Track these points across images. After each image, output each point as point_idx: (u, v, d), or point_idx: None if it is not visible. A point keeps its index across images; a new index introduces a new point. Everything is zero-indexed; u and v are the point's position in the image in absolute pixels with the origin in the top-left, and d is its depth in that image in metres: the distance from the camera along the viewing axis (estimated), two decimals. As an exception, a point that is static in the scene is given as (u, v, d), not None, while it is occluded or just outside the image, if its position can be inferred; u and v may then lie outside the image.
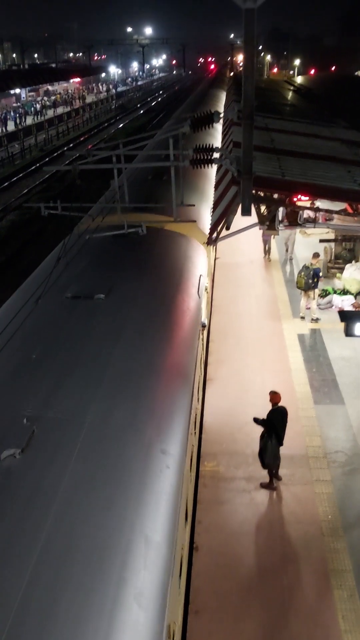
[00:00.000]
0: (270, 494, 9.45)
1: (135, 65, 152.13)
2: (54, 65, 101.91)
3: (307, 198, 10.83)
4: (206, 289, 10.57)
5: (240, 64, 77.98)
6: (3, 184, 35.65)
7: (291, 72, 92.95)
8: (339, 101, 28.63)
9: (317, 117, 20.41)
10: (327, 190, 9.96)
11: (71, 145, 49.98)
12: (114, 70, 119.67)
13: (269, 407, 9.63)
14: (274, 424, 9.35)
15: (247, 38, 7.60)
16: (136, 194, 11.84)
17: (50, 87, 78.55)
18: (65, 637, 3.63)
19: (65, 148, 46.80)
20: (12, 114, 56.59)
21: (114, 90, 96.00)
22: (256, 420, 9.48)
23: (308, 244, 18.48)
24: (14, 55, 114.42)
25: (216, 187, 13.39)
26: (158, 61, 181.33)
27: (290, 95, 33.37)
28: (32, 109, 61.66)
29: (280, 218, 12.07)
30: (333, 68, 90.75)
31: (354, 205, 12.53)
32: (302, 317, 15.31)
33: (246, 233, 11.40)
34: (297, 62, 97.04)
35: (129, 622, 3.86)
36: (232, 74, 70.20)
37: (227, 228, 11.67)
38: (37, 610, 3.73)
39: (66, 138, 54.20)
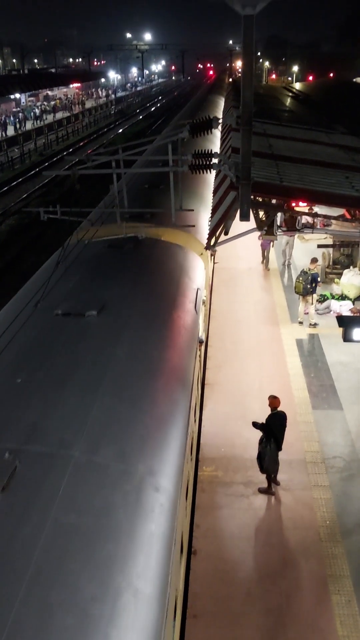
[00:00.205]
0: (269, 499, 9.45)
1: (134, 71, 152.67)
2: (53, 70, 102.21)
3: (305, 204, 10.87)
4: (204, 302, 10.23)
5: (239, 70, 78.32)
6: (2, 188, 35.70)
7: (289, 79, 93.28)
8: (337, 107, 28.74)
9: (315, 123, 20.49)
10: (325, 196, 10.00)
11: (71, 150, 50.11)
12: (113, 75, 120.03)
13: (268, 411, 9.64)
14: (273, 428, 9.35)
15: (246, 44, 7.65)
16: (135, 198, 11.87)
17: (49, 92, 78.75)
18: None
19: (65, 153, 46.91)
20: (11, 118, 56.72)
21: (113, 96, 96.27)
22: (255, 424, 9.49)
23: (306, 250, 18.53)
24: (14, 60, 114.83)
25: (215, 192, 13.43)
26: (157, 67, 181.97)
27: (288, 101, 33.50)
28: (32, 113, 61.81)
29: (278, 223, 12.11)
30: (331, 74, 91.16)
31: (352, 211, 12.58)
32: (301, 322, 15.34)
33: (244, 238, 11.44)
34: (295, 68, 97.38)
35: None
36: (230, 79, 70.49)
37: (226, 233, 11.70)
38: None
39: (66, 143, 54.35)
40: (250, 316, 15.90)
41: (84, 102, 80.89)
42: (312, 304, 15.27)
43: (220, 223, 10.64)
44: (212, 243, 11.04)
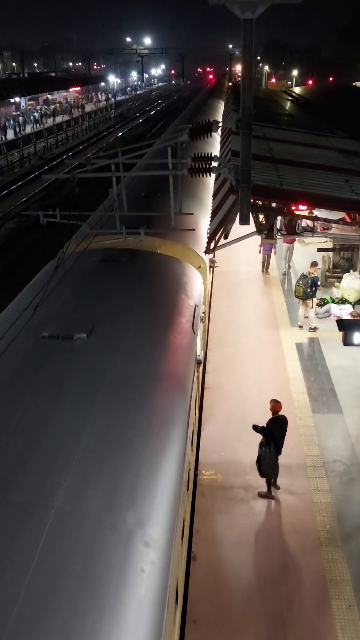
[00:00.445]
0: (269, 503, 9.41)
1: (134, 75, 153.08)
2: (53, 74, 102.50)
3: (305, 207, 10.87)
4: (201, 319, 9.73)
5: (239, 74, 78.52)
6: (2, 192, 35.73)
7: (289, 83, 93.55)
8: (336, 111, 28.80)
9: (315, 127, 20.52)
10: (325, 199, 10.00)
11: (70, 153, 50.18)
12: (113, 79, 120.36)
13: (267, 416, 9.61)
14: (274, 432, 9.32)
15: (245, 48, 7.66)
16: (135, 202, 11.86)
17: (49, 96, 78.94)
18: None
19: (65, 156, 46.98)
20: (11, 122, 56.82)
21: (113, 100, 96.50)
22: (255, 427, 9.46)
23: (306, 253, 18.51)
24: (14, 64, 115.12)
25: (214, 195, 13.43)
26: (157, 71, 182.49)
27: (288, 105, 33.57)
28: (32, 117, 61.94)
29: (278, 227, 12.12)
30: (331, 78, 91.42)
31: (352, 215, 12.59)
32: (300, 326, 15.31)
33: (244, 242, 11.46)
34: (295, 72, 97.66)
35: None
36: (230, 83, 70.68)
37: (226, 237, 11.70)
38: None
39: (65, 146, 54.42)
40: (250, 320, 15.88)
41: (83, 105, 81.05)
42: (312, 307, 15.25)
43: (220, 227, 10.64)
44: (211, 247, 11.03)
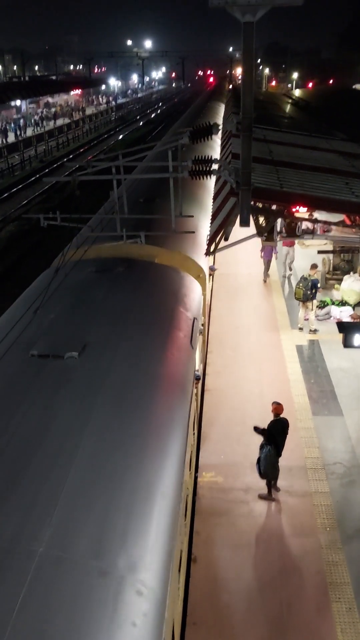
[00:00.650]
0: (269, 505, 9.41)
1: (135, 78, 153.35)
2: (54, 77, 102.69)
3: (305, 209, 10.88)
4: (200, 332, 9.31)
5: (239, 77, 78.67)
6: (3, 195, 35.78)
7: (289, 85, 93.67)
8: (336, 114, 28.86)
9: (315, 130, 20.57)
10: (326, 201, 10.03)
11: (71, 156, 50.24)
12: (113, 82, 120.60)
13: (268, 417, 9.61)
14: (274, 434, 9.32)
15: (246, 51, 7.69)
16: (135, 205, 11.88)
17: (50, 99, 79.08)
18: None
19: (65, 159, 47.05)
20: (12, 125, 56.91)
21: (113, 103, 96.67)
22: (256, 429, 9.46)
23: (306, 255, 18.53)
24: (15, 67, 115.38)
25: (215, 198, 13.46)
26: (157, 74, 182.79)
27: (288, 107, 33.64)
28: (32, 120, 62.04)
29: (278, 229, 12.13)
30: (331, 81, 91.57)
31: (352, 217, 12.60)
32: (301, 328, 15.32)
33: (245, 244, 11.46)
34: (295, 75, 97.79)
35: None
36: (231, 86, 70.81)
37: (226, 239, 11.72)
38: None
39: (66, 149, 54.50)
40: (250, 322, 15.89)
41: (84, 108, 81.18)
42: (312, 310, 15.26)
43: (220, 229, 10.66)
44: (212, 249, 11.05)
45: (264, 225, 11.52)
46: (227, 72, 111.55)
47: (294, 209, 10.69)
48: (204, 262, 10.95)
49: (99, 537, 4.21)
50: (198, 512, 9.21)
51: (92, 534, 4.22)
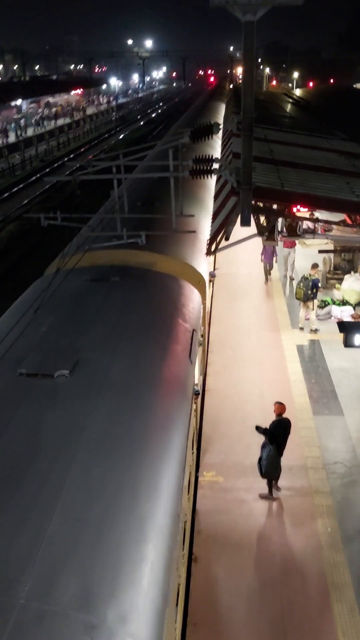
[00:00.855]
0: (270, 505, 9.40)
1: (135, 78, 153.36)
2: (55, 77, 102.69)
3: (306, 209, 10.88)
4: (200, 344, 8.90)
5: (240, 77, 78.64)
6: (3, 194, 35.78)
7: (290, 85, 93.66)
8: (337, 113, 28.85)
9: (315, 129, 20.56)
10: (326, 201, 10.02)
11: (72, 156, 50.25)
12: (114, 82, 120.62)
13: (268, 417, 9.60)
14: (276, 434, 9.31)
15: (246, 50, 7.68)
16: (136, 204, 11.87)
17: (51, 99, 79.08)
18: None
19: (66, 159, 47.05)
20: (12, 125, 56.91)
21: (114, 102, 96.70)
22: (258, 428, 9.44)
23: (307, 255, 18.51)
24: (16, 67, 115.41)
25: (216, 197, 13.45)
26: (158, 73, 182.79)
27: (289, 107, 33.62)
28: (33, 120, 62.05)
29: (279, 228, 12.12)
30: (331, 81, 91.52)
31: (353, 217, 12.60)
32: (301, 328, 15.31)
33: (245, 244, 11.45)
34: (295, 74, 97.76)
35: None
36: (231, 86, 70.80)
37: (227, 239, 11.71)
38: None
39: (67, 149, 54.50)
40: (250, 322, 15.88)
41: (85, 108, 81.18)
42: (312, 309, 15.24)
43: (221, 228, 10.65)
44: (212, 249, 11.04)
45: (265, 224, 11.51)
46: (228, 71, 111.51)
47: (294, 209, 10.68)
48: (204, 268, 10.70)
49: (87, 586, 3.76)
50: (199, 511, 9.19)
51: (79, 582, 3.76)
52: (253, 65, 8.10)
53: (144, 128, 69.03)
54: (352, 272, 16.89)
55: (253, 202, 9.22)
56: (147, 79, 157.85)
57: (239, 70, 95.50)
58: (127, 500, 4.53)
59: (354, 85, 69.05)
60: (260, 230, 11.41)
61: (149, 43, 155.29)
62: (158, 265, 9.46)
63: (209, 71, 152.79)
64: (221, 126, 9.95)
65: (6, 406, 5.55)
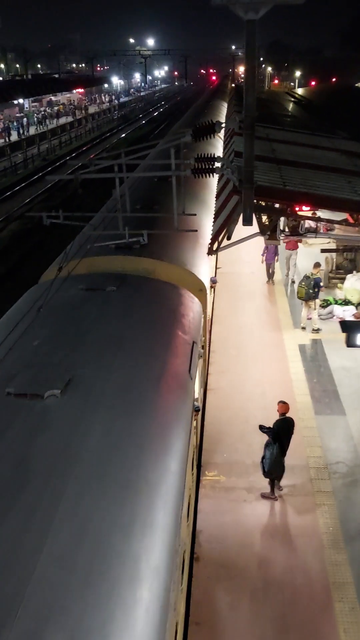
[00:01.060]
0: (272, 504, 9.39)
1: (137, 76, 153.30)
2: (57, 75, 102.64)
3: (308, 208, 10.85)
4: (200, 356, 8.50)
5: (242, 75, 78.55)
6: (5, 193, 35.80)
7: (292, 84, 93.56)
8: (339, 112, 28.81)
9: (317, 128, 20.53)
10: (328, 200, 9.99)
11: (74, 154, 50.27)
12: (116, 81, 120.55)
13: (271, 417, 9.60)
14: (280, 433, 9.31)
15: (248, 49, 7.65)
16: (138, 203, 11.86)
17: (53, 98, 79.07)
18: None
19: (68, 157, 47.05)
20: (15, 124, 56.92)
21: (116, 101, 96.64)
22: (262, 428, 9.44)
23: (309, 254, 18.48)
24: (17, 65, 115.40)
25: (217, 196, 13.44)
26: (160, 72, 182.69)
27: (291, 106, 33.56)
28: (35, 118, 62.06)
29: (281, 228, 12.10)
30: (333, 80, 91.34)
31: (355, 216, 12.57)
32: (303, 328, 15.29)
33: (247, 243, 11.42)
34: (297, 73, 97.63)
35: None
36: (233, 85, 70.74)
37: (229, 238, 11.69)
38: None
39: (69, 148, 54.52)
40: (252, 321, 15.87)
41: (87, 107, 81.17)
42: (315, 309, 15.22)
43: (223, 227, 10.63)
44: (214, 248, 11.02)
45: (267, 223, 11.49)
46: (230, 70, 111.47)
47: (296, 208, 10.66)
48: (205, 274, 10.39)
49: (75, 637, 3.46)
50: (200, 510, 9.20)
51: (67, 633, 3.44)
52: (255, 64, 8.08)
53: (145, 127, 69.01)
54: (354, 272, 16.87)
55: (255, 201, 9.20)
56: (149, 77, 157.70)
57: (241, 69, 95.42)
58: (120, 538, 4.18)
59: (356, 84, 68.89)
60: (262, 229, 11.39)
61: (150, 42, 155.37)
62: (157, 272, 9.16)
63: (211, 70, 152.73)
64: (223, 125, 9.91)
65: None
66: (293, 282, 18.40)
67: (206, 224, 12.39)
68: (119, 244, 9.30)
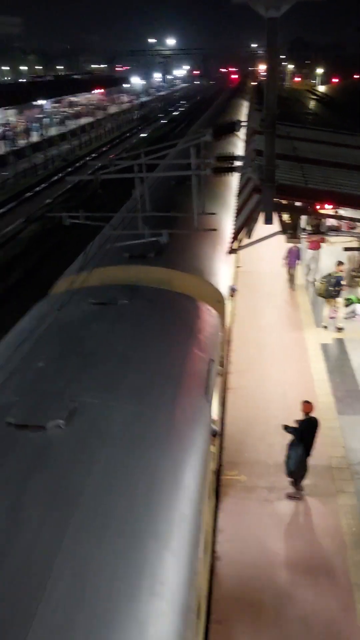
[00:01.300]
0: (293, 504, 9.33)
1: (157, 76, 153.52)
2: (77, 76, 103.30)
3: (330, 206, 10.77)
4: (219, 374, 8.07)
5: (263, 74, 78.16)
6: (26, 194, 36.14)
7: (313, 81, 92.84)
8: (361, 109, 28.47)
9: (339, 126, 20.35)
10: (351, 198, 9.90)
11: (93, 155, 50.54)
12: (136, 81, 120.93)
13: (291, 417, 9.53)
14: (305, 433, 9.25)
15: (269, 47, 7.62)
16: (157, 202, 11.87)
17: (73, 98, 79.63)
18: None
19: (88, 158, 47.33)
20: (35, 125, 57.46)
21: (136, 101, 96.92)
22: (287, 428, 9.38)
23: (332, 253, 18.29)
24: (38, 67, 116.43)
25: (238, 195, 13.40)
26: (180, 71, 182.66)
27: (312, 104, 33.32)
28: (56, 119, 62.57)
29: (303, 226, 12.02)
30: (356, 76, 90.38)
31: (378, 214, 12.43)
32: (325, 327, 15.16)
33: (268, 242, 11.36)
34: (319, 70, 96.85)
35: None
36: (254, 83, 70.46)
37: (249, 237, 11.65)
38: None
39: (89, 148, 54.83)
40: (273, 320, 15.78)
41: (106, 107, 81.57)
42: (338, 307, 15.07)
43: (244, 226, 10.60)
44: (235, 247, 11.00)
45: (288, 222, 11.43)
46: (250, 68, 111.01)
47: (318, 206, 10.58)
48: (224, 283, 9.81)
49: None
50: (222, 509, 9.18)
51: None
52: (276, 62, 8.04)
53: (165, 127, 69.08)
54: (377, 270, 16.66)
55: (276, 199, 9.16)
56: (169, 77, 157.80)
57: (262, 67, 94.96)
58: (125, 600, 3.73)
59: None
60: (284, 228, 11.33)
61: (171, 41, 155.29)
62: (172, 282, 8.67)
63: (231, 68, 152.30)
64: (244, 124, 9.89)
65: None
66: (315, 280, 18.21)
67: (226, 223, 12.35)
68: (109, 291, 8.47)
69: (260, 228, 10.64)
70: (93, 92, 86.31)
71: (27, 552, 3.86)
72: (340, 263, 15.40)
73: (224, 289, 9.41)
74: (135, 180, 9.89)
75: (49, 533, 4.03)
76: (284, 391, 12.30)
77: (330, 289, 14.69)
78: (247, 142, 18.58)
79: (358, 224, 13.26)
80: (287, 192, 9.60)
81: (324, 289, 14.74)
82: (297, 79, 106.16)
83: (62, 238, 26.22)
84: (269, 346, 14.39)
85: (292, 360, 13.73)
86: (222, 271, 10.02)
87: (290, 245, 17.06)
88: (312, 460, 9.64)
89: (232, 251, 11.15)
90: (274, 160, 8.24)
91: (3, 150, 47.08)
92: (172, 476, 4.87)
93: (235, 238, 10.91)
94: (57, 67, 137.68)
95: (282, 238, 12.52)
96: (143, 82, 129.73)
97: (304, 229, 12.29)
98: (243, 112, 35.84)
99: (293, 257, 17.76)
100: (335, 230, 12.36)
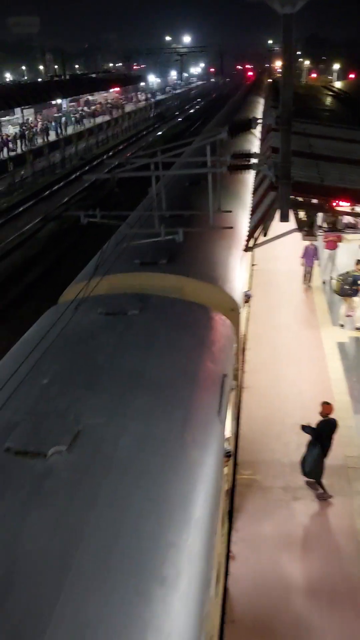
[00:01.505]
0: (309, 505, 9.28)
1: (173, 74, 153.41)
2: (94, 75, 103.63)
3: (347, 204, 10.67)
4: (233, 388, 7.69)
5: (279, 70, 77.70)
6: (44, 193, 36.36)
7: (330, 77, 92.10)
8: (379, 105, 28.18)
9: (356, 122, 20.16)
10: (368, 195, 9.80)
11: (110, 153, 50.69)
12: (152, 79, 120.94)
13: (307, 417, 9.48)
14: (323, 434, 9.19)
15: (285, 43, 7.57)
16: (173, 200, 11.85)
17: (90, 97, 79.85)
18: None
19: (104, 156, 47.48)
20: (53, 124, 57.75)
21: (152, 99, 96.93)
22: (305, 428, 9.33)
23: (348, 250, 18.14)
24: (56, 66, 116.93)
25: (254, 192, 13.35)
26: (196, 69, 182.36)
27: (328, 100, 33.07)
28: (73, 118, 62.83)
29: (319, 224, 11.94)
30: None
31: None
32: (342, 325, 15.05)
33: (284, 240, 11.30)
34: (336, 67, 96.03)
35: None
36: (270, 80, 70.08)
37: (265, 234, 11.60)
38: None
39: (105, 146, 54.99)
40: (289, 319, 15.70)
41: (123, 106, 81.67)
42: (355, 306, 14.95)
43: (260, 224, 10.55)
44: (250, 244, 10.95)
45: (304, 219, 11.35)
46: (266, 65, 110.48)
47: (335, 203, 10.49)
48: (238, 289, 9.40)
49: None
50: (236, 509, 9.16)
51: None
52: (292, 58, 7.98)
53: (181, 124, 69.03)
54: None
55: (292, 197, 9.10)
56: (185, 75, 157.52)
57: (278, 64, 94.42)
58: (137, 615, 3.53)
59: None
60: (300, 226, 11.26)
61: (187, 39, 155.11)
62: (184, 291, 8.38)
63: (247, 65, 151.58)
64: (259, 121, 9.84)
65: None
66: (332, 278, 18.06)
67: (242, 221, 12.29)
68: (119, 300, 8.13)
69: (276, 226, 10.58)
70: (109, 90, 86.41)
71: (26, 597, 3.54)
72: (359, 262, 15.26)
73: (238, 296, 9.07)
74: (152, 178, 9.89)
75: (44, 584, 3.65)
76: (300, 390, 12.23)
77: (346, 287, 14.57)
78: (263, 139, 18.48)
79: (375, 221, 13.13)
80: (303, 190, 9.53)
81: (340, 286, 14.62)
82: (313, 75, 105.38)
83: (78, 238, 26.36)
84: (285, 345, 14.32)
85: (308, 359, 13.65)
86: (237, 276, 9.79)
87: (307, 243, 16.96)
88: (328, 460, 9.58)
89: (247, 249, 11.10)
90: (290, 157, 8.18)
91: (21, 149, 47.42)
92: (182, 510, 4.48)
93: (251, 236, 10.87)
94: (75, 65, 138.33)
95: (298, 236, 12.44)
96: (159, 80, 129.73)
97: (320, 227, 12.19)
98: (259, 109, 35.67)
99: (310, 256, 17.62)
100: (352, 227, 12.24)
